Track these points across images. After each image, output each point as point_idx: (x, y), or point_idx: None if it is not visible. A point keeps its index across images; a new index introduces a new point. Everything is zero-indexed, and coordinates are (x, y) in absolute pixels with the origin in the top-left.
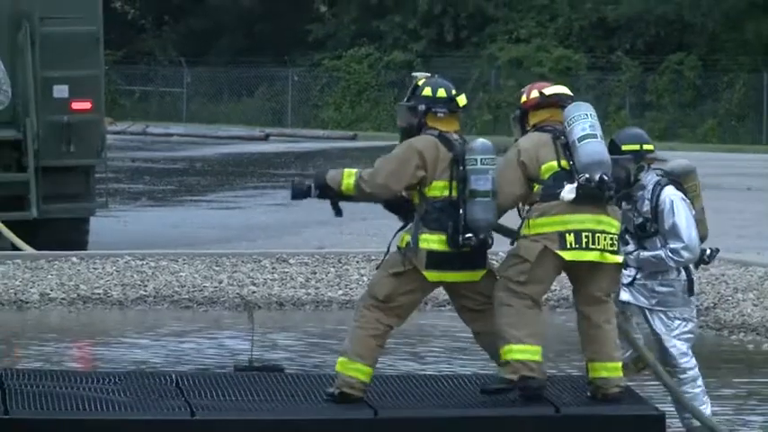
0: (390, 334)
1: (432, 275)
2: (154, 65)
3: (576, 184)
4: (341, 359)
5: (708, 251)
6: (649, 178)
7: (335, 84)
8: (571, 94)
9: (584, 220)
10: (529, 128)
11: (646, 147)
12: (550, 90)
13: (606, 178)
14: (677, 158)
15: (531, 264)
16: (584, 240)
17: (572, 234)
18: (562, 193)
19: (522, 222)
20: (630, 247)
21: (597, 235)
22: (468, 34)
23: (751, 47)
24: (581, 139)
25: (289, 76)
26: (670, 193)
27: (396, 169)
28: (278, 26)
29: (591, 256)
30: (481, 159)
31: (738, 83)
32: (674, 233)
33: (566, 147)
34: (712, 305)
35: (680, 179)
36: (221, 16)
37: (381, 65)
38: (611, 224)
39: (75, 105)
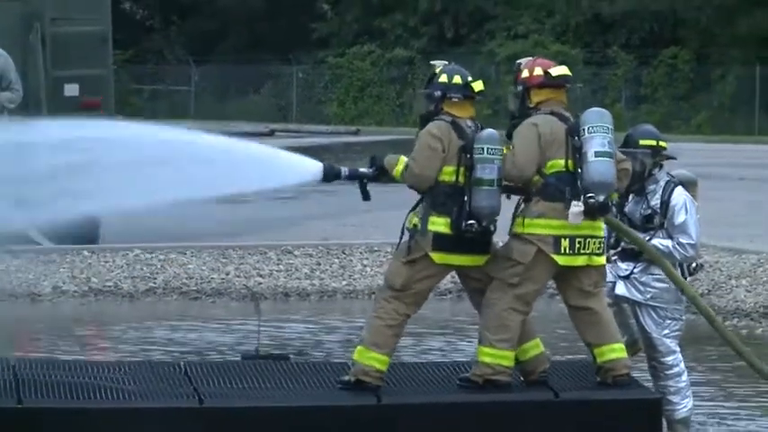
0: (407, 323)
1: (438, 257)
2: (162, 64)
3: (581, 207)
4: (359, 348)
5: (694, 264)
6: (662, 175)
7: (339, 80)
8: (571, 74)
9: (582, 227)
10: (531, 105)
11: (662, 143)
12: (557, 71)
13: (610, 203)
14: (680, 169)
15: (525, 266)
16: (577, 246)
17: (567, 239)
18: (569, 216)
19: (515, 219)
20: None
21: (588, 240)
22: (468, 31)
23: (743, 40)
24: (598, 154)
25: (293, 73)
26: (683, 193)
27: (425, 159)
28: (282, 25)
29: (580, 260)
30: (488, 149)
31: (731, 76)
32: (684, 229)
33: (576, 149)
34: (707, 291)
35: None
36: (227, 16)
37: (383, 62)
38: (600, 227)
39: (86, 103)
